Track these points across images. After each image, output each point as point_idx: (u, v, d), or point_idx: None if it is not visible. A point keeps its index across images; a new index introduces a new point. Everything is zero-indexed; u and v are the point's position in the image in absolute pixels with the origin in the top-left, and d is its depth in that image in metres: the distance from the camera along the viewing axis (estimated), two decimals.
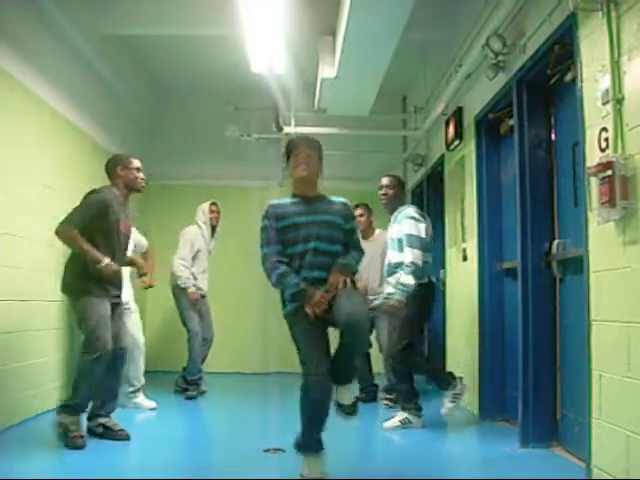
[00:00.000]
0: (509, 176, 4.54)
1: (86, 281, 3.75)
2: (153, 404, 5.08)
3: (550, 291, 3.89)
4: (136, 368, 5.06)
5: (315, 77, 5.70)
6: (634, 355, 2.63)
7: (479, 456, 3.95)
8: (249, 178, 7.70)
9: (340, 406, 3.16)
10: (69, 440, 3.63)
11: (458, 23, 5.26)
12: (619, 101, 2.76)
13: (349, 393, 3.17)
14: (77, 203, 4.04)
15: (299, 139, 3.35)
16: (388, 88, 6.00)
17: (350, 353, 3.04)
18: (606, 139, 2.83)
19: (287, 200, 3.26)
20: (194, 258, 5.81)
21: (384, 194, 4.61)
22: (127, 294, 5.09)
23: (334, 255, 3.13)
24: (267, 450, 3.65)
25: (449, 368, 5.59)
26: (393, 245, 4.44)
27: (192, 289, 5.71)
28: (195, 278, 5.78)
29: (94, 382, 3.72)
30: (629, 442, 2.64)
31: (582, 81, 3.10)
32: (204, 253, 5.90)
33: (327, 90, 5.65)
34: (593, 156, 2.92)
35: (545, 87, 3.96)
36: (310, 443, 3.09)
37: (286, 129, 6.99)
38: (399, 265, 4.28)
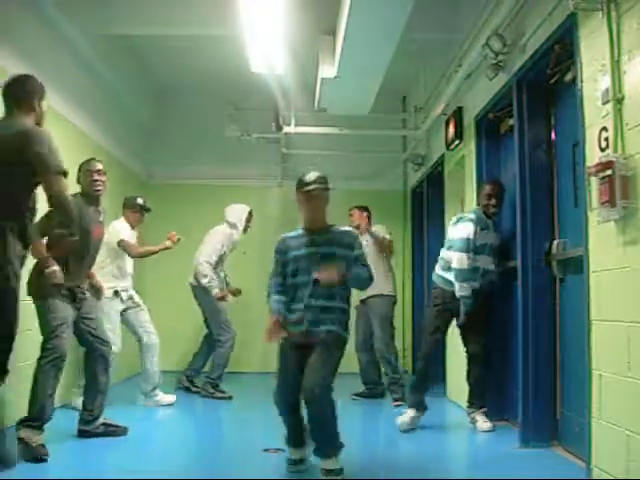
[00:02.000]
0: (509, 176, 4.53)
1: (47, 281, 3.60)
2: (173, 398, 5.20)
3: (550, 291, 3.89)
4: (155, 365, 5.14)
5: (315, 77, 5.70)
6: (634, 355, 2.63)
7: (479, 456, 3.95)
8: (249, 178, 7.70)
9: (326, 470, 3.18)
10: (31, 451, 3.36)
11: (458, 23, 5.26)
12: (619, 101, 2.76)
13: (333, 461, 3.19)
14: None
15: (308, 180, 3.32)
16: (388, 88, 6.00)
17: (313, 422, 3.18)
18: (606, 139, 2.83)
19: (295, 233, 3.42)
20: (220, 259, 5.81)
21: (495, 205, 4.41)
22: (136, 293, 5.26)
23: (333, 284, 3.26)
24: (267, 450, 3.65)
25: (449, 368, 5.60)
26: (492, 253, 4.42)
27: (216, 290, 5.69)
28: (219, 278, 5.80)
29: (54, 389, 3.58)
30: (629, 442, 2.64)
31: (582, 81, 3.10)
32: (227, 255, 5.91)
33: (327, 90, 5.65)
34: (593, 156, 2.92)
35: (545, 87, 3.97)
36: (290, 438, 3.36)
37: (286, 129, 6.99)
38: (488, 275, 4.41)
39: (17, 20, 4.30)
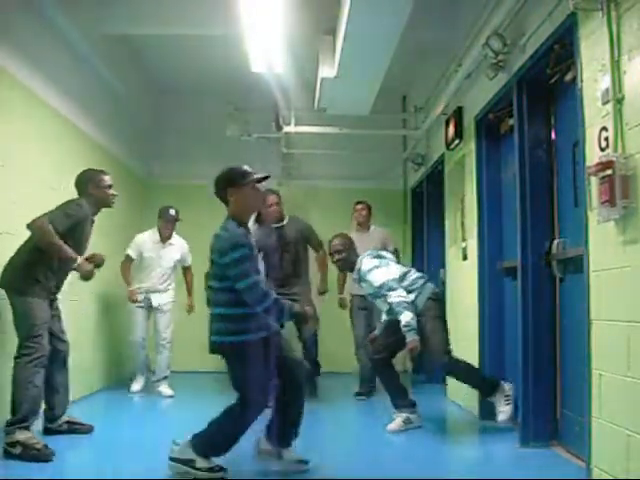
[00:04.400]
0: (509, 175, 4.53)
1: (31, 280, 3.67)
2: (171, 392, 5.75)
3: (550, 291, 3.89)
4: (162, 360, 5.83)
5: (315, 76, 5.70)
6: (634, 355, 2.63)
7: (479, 456, 3.95)
8: None
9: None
10: (36, 454, 3.39)
11: (458, 23, 5.26)
12: (619, 101, 2.76)
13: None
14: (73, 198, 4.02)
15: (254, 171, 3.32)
16: (388, 88, 6.00)
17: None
18: (606, 138, 2.83)
19: (242, 230, 3.21)
20: None
21: (338, 260, 4.52)
22: (167, 297, 5.92)
23: None
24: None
25: None
26: (376, 296, 4.42)
27: None
28: None
29: (37, 387, 3.57)
30: (629, 442, 2.64)
31: (582, 81, 3.10)
32: None
33: (327, 89, 5.65)
34: (593, 155, 2.92)
35: (545, 87, 3.96)
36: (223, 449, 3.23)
37: (286, 128, 6.99)
38: (391, 311, 4.31)
39: (17, 20, 4.29)
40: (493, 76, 4.21)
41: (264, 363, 3.16)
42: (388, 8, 4.20)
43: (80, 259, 3.75)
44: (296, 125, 6.96)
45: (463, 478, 3.51)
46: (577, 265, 3.36)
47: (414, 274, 4.48)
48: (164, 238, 5.93)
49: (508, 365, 4.55)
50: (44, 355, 3.63)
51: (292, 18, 4.60)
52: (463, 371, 4.34)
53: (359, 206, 6.23)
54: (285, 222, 5.73)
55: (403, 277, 4.38)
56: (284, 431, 3.34)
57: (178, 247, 6.02)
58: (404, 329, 4.14)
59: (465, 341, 5.01)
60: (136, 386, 5.94)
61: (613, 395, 2.82)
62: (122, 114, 6.77)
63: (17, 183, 4.22)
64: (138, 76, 7.13)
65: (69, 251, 3.68)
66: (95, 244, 5.21)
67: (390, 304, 4.23)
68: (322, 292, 5.89)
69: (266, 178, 3.33)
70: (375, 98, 5.99)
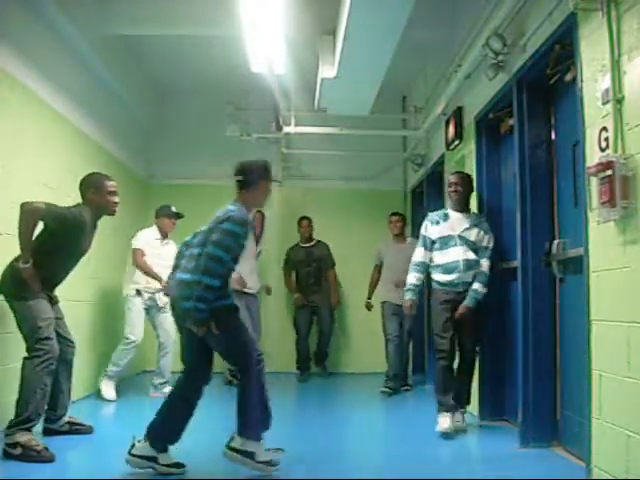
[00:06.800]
0: (509, 176, 4.54)
1: (27, 284, 3.62)
2: None
3: (550, 291, 3.90)
4: (167, 362, 5.62)
5: (315, 77, 5.71)
6: (634, 355, 2.63)
7: (479, 456, 3.95)
8: None
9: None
10: (36, 456, 3.39)
11: (458, 23, 5.26)
12: (619, 101, 2.76)
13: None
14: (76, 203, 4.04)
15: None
16: (388, 88, 6.00)
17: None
18: (606, 139, 2.83)
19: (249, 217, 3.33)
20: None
21: (455, 191, 4.52)
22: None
23: None
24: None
25: None
26: (467, 244, 4.37)
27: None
28: None
29: (46, 389, 3.57)
30: (629, 442, 2.64)
31: (582, 81, 3.10)
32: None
33: (327, 90, 5.65)
34: (593, 156, 2.92)
35: (545, 87, 3.97)
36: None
37: (286, 129, 6.99)
38: (474, 266, 4.35)
39: (17, 20, 4.29)
40: (493, 76, 4.20)
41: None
42: (388, 8, 4.21)
43: (28, 266, 3.59)
44: (296, 125, 6.96)
45: (463, 478, 3.51)
46: (577, 266, 3.36)
47: None
48: (164, 235, 5.80)
49: (508, 366, 4.54)
50: (53, 357, 3.62)
51: (292, 18, 4.60)
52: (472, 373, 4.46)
53: (394, 218, 6.54)
54: (313, 243, 7.18)
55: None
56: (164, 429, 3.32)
57: (172, 245, 5.78)
58: (473, 294, 4.32)
59: None
60: (112, 392, 5.46)
61: (613, 395, 2.82)
62: (122, 114, 6.77)
63: (17, 183, 4.22)
64: (138, 76, 7.13)
65: (27, 249, 3.60)
66: (96, 245, 5.21)
67: (479, 265, 4.39)
68: (336, 302, 7.22)
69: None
70: (375, 98, 6.00)
